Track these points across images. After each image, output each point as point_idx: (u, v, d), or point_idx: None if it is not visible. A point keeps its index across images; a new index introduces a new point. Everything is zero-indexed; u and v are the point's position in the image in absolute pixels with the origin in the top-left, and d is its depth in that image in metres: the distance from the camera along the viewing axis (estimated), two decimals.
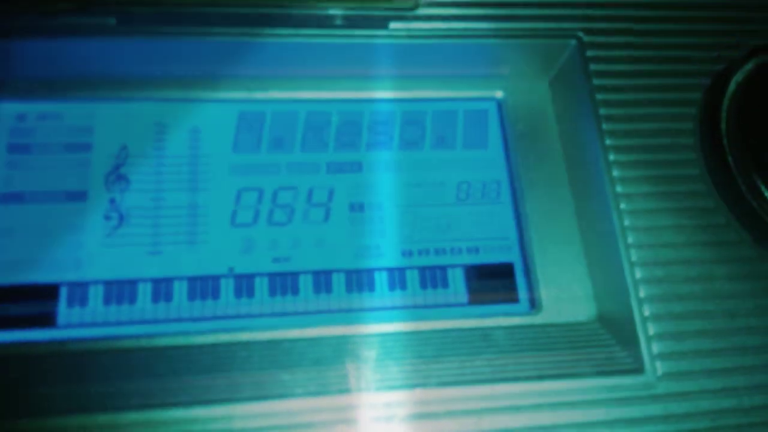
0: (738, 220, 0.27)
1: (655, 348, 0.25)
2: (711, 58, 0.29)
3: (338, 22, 0.27)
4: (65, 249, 0.26)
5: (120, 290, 0.26)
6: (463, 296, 0.28)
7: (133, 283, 0.26)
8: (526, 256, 0.28)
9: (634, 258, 0.26)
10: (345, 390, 0.24)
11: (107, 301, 0.26)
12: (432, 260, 0.28)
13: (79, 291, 0.26)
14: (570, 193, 0.29)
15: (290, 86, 0.30)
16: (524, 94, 0.31)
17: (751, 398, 0.24)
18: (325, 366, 0.24)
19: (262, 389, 0.23)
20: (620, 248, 0.26)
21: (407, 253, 0.28)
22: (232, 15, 0.27)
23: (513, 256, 0.28)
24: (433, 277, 0.28)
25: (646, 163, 0.27)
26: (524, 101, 0.31)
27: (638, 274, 0.25)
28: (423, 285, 0.28)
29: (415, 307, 0.27)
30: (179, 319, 0.26)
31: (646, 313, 0.25)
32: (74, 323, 0.25)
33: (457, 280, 0.28)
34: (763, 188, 0.26)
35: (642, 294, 0.25)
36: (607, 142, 0.27)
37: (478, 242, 0.29)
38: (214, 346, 0.25)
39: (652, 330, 0.25)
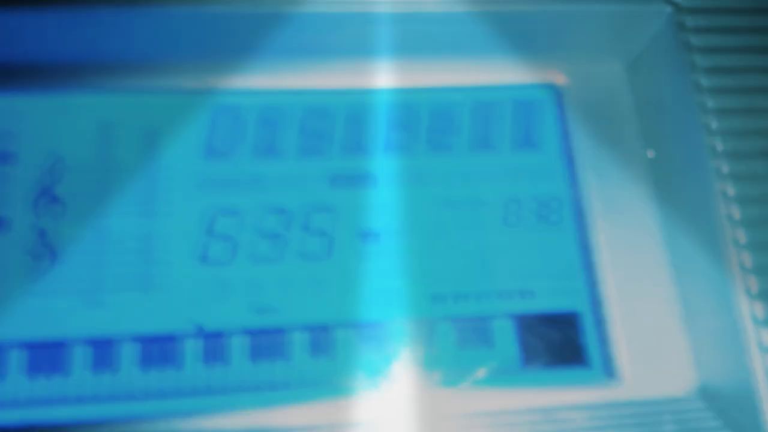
0: None
1: None
2: None
3: None
4: None
5: (49, 356, 0.19)
6: (513, 358, 0.20)
7: (66, 346, 0.19)
8: (598, 302, 0.21)
9: (759, 314, 0.18)
10: None
11: (32, 371, 0.19)
12: (472, 308, 0.21)
13: None
14: (659, 216, 0.21)
15: (281, 73, 0.22)
16: (594, 80, 0.23)
17: None
18: None
19: None
20: (737, 298, 0.18)
21: (438, 299, 0.21)
22: None
23: (580, 303, 0.21)
24: (473, 331, 0.21)
25: None
26: (594, 89, 0.23)
27: (766, 336, 0.18)
28: (461, 343, 0.20)
29: (449, 373, 0.20)
30: (129, 397, 0.19)
31: None
32: None
33: (506, 335, 0.21)
34: None
35: None
36: (719, 146, 0.19)
37: (534, 283, 0.21)
38: None
39: None
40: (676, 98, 0.21)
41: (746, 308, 0.18)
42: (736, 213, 0.19)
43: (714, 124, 0.20)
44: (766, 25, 0.21)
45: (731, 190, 0.19)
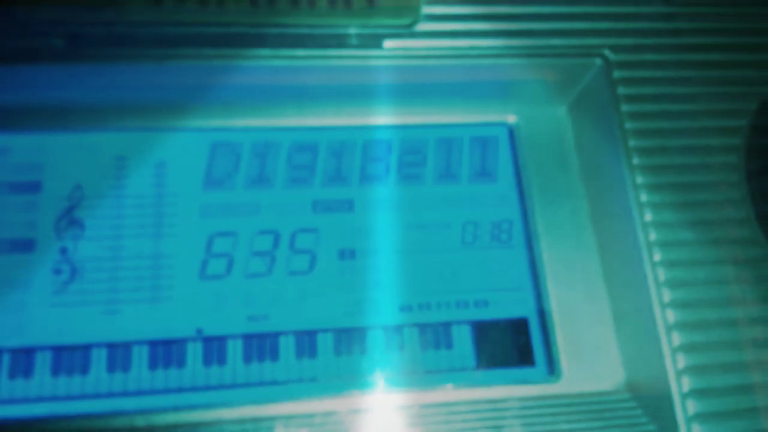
0: None
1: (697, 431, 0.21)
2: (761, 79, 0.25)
3: (324, 41, 0.23)
4: (7, 309, 0.22)
5: (71, 358, 0.22)
6: (470, 359, 0.24)
7: (85, 349, 0.22)
8: (543, 310, 0.24)
9: (671, 320, 0.22)
10: None
11: (56, 370, 0.22)
12: (434, 316, 0.24)
13: (24, 359, 0.22)
14: (594, 236, 0.25)
15: (270, 113, 0.26)
16: (540, 120, 0.27)
17: None
18: None
19: None
20: (654, 307, 0.22)
21: (406, 309, 0.24)
22: (199, 35, 0.23)
23: (528, 311, 0.25)
24: (435, 336, 0.24)
25: (684, 204, 0.23)
26: (540, 128, 0.27)
27: (677, 339, 0.22)
28: (424, 346, 0.24)
29: (415, 372, 0.23)
30: (138, 393, 0.22)
31: (686, 387, 0.21)
32: (17, 398, 0.22)
33: (464, 339, 0.24)
34: None
35: (681, 364, 0.21)
36: (639, 179, 0.23)
37: (488, 294, 0.25)
38: (177, 426, 0.21)
39: (693, 408, 0.21)
40: (606, 137, 0.24)
41: (659, 315, 0.22)
42: (652, 236, 0.23)
43: (635, 161, 0.23)
44: (681, 77, 0.24)
45: (648, 216, 0.23)
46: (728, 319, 0.22)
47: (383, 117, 0.26)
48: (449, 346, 0.24)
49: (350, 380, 0.23)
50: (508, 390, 0.23)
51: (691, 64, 0.24)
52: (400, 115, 0.26)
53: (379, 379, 0.23)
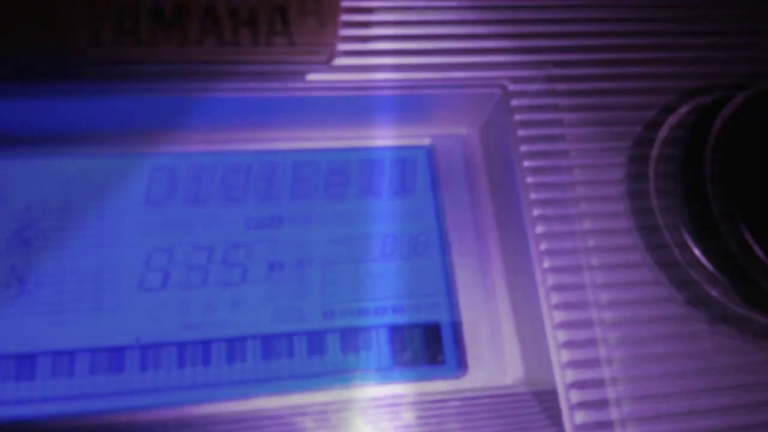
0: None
1: (578, 418, 0.24)
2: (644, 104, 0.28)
3: (248, 76, 0.26)
4: None
5: (18, 365, 0.24)
6: (386, 359, 0.26)
7: (32, 357, 0.25)
8: (454, 314, 0.27)
9: (556, 320, 0.25)
10: None
11: (3, 377, 0.24)
12: (355, 321, 0.27)
13: None
14: (498, 247, 0.28)
15: (207, 139, 0.28)
16: (454, 142, 0.30)
17: None
18: None
19: None
20: (543, 309, 0.25)
21: (329, 315, 0.27)
22: (135, 72, 0.25)
23: (440, 315, 0.27)
24: (355, 339, 0.27)
25: (570, 217, 0.26)
26: (454, 149, 0.30)
27: (561, 337, 0.25)
28: (344, 349, 0.26)
29: (336, 372, 0.26)
30: (80, 396, 0.24)
31: (569, 380, 0.24)
32: None
33: (381, 342, 0.27)
34: (750, 241, 0.25)
35: (564, 359, 0.24)
36: (532, 196, 0.26)
37: (404, 300, 0.27)
38: (113, 426, 0.23)
39: (575, 398, 0.24)
40: (506, 158, 0.27)
41: (547, 316, 0.25)
42: (543, 246, 0.25)
43: (528, 179, 0.26)
44: (572, 105, 0.28)
45: (539, 229, 0.26)
46: (606, 319, 0.25)
47: (311, 142, 0.29)
48: (368, 348, 0.27)
49: (277, 382, 0.26)
50: (421, 386, 0.26)
51: (580, 92, 0.28)
52: (327, 140, 0.29)
53: (303, 380, 0.26)
